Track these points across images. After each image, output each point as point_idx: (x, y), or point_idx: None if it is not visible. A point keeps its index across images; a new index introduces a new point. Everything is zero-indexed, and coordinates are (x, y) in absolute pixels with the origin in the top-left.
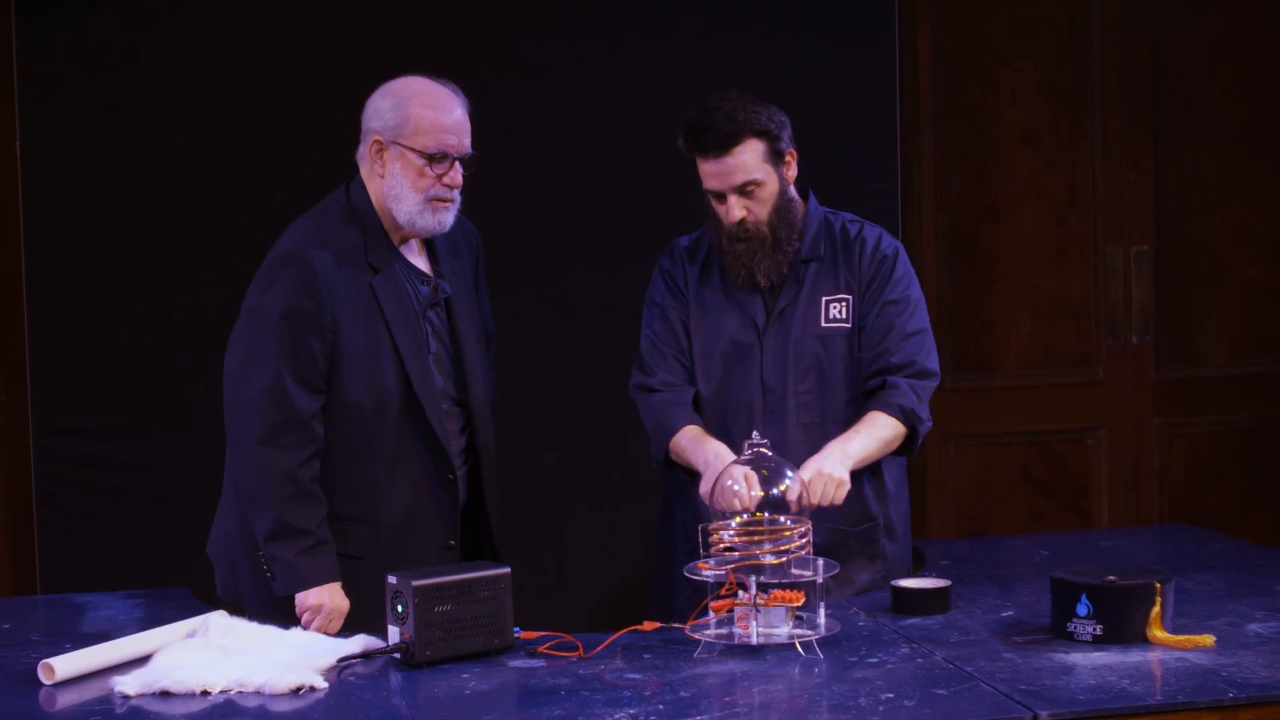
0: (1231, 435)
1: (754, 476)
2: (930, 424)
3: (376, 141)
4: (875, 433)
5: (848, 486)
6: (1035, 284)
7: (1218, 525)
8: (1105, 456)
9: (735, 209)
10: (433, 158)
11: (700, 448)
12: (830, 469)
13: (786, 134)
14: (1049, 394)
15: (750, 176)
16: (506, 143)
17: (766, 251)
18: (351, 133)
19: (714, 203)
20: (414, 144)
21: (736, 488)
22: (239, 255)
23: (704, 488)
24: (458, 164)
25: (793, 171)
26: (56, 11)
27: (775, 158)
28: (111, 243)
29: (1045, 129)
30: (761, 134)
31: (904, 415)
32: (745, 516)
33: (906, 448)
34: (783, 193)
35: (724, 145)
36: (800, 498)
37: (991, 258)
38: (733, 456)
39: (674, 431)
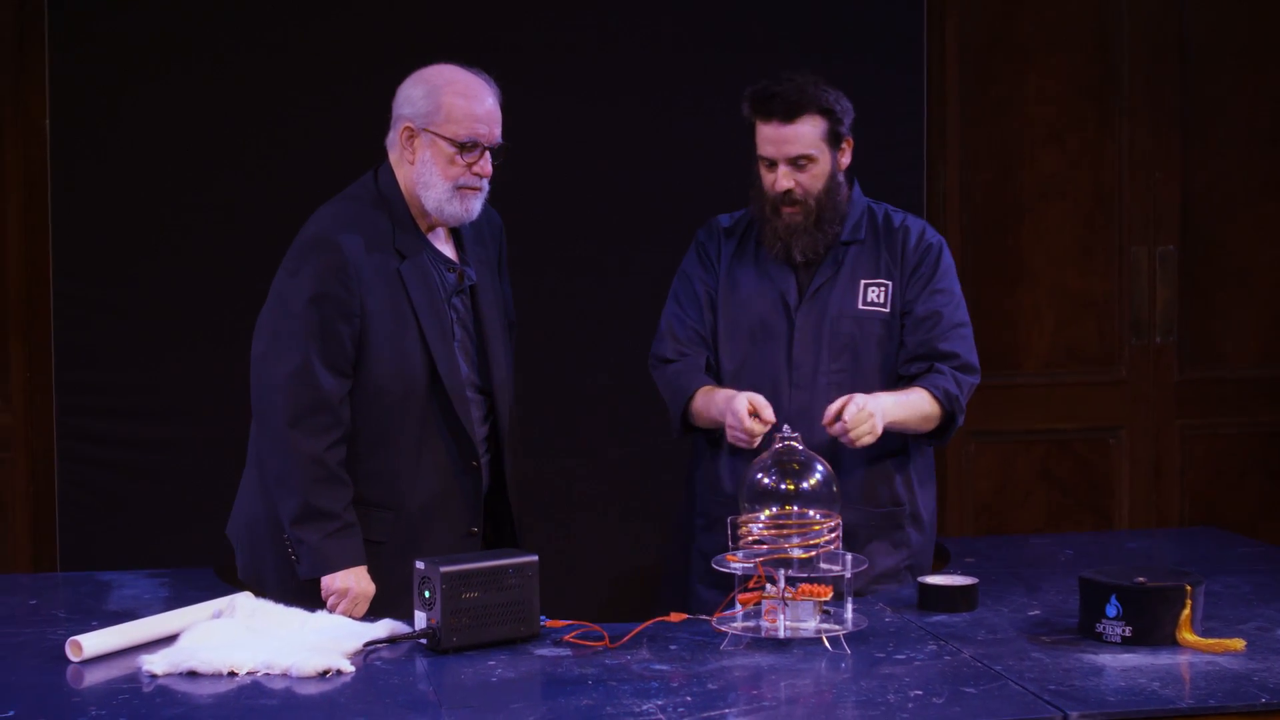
0: (1253, 437)
1: (759, 404)
2: (963, 420)
3: (407, 128)
4: (915, 403)
5: (878, 435)
6: (1059, 283)
7: (1237, 527)
8: (1126, 456)
9: (783, 179)
10: (463, 146)
11: (712, 400)
12: (874, 410)
13: (849, 120)
14: (1071, 393)
15: (805, 150)
16: (529, 131)
17: (808, 227)
18: (380, 118)
19: (764, 170)
20: (445, 132)
21: (737, 427)
22: (265, 236)
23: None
24: (488, 153)
25: (846, 159)
26: None
27: (833, 139)
28: (139, 222)
29: (1072, 128)
30: (825, 112)
31: (946, 399)
32: (775, 509)
33: (938, 435)
34: (833, 175)
35: (788, 113)
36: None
37: (1016, 256)
38: (730, 396)
39: (689, 395)
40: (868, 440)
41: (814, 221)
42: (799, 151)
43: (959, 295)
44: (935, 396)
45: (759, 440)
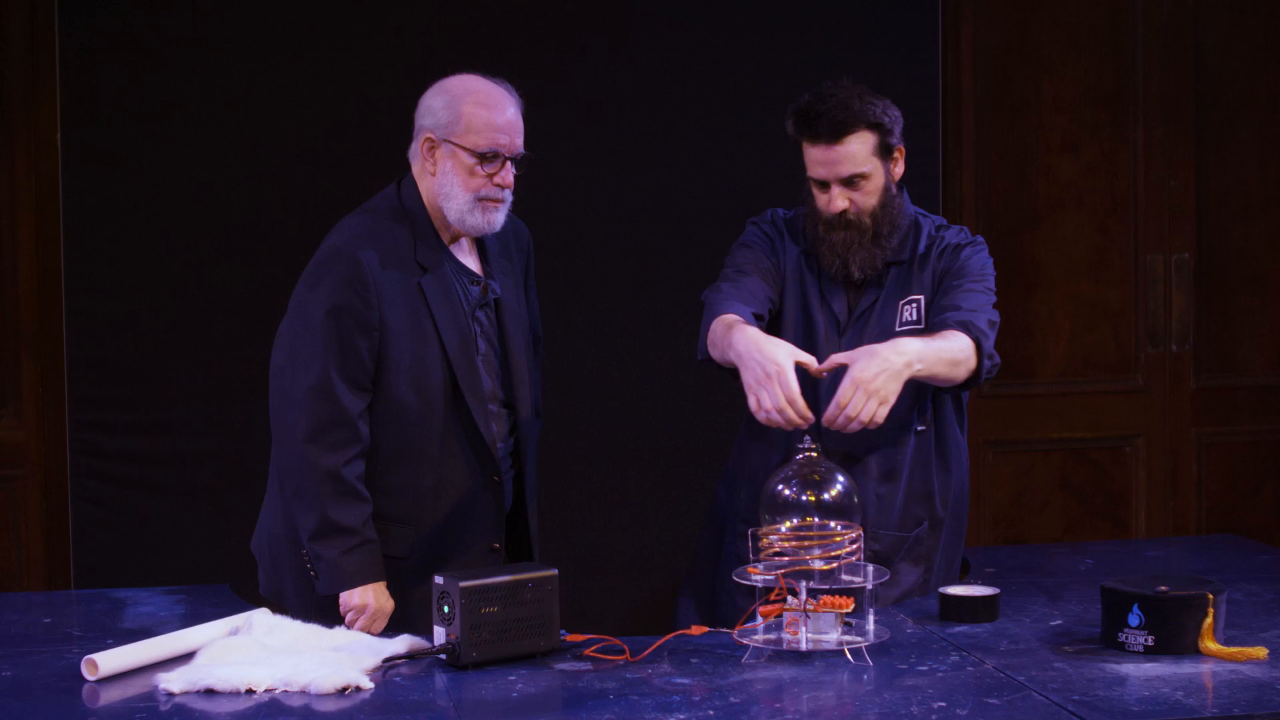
0: (1270, 445)
1: (793, 383)
2: (997, 360)
3: (428, 139)
4: (939, 343)
5: (890, 404)
6: (1075, 291)
7: (1255, 535)
8: (1143, 465)
9: (838, 199)
10: (484, 157)
11: (730, 334)
12: (878, 370)
13: (899, 129)
14: (1088, 401)
15: (858, 169)
16: (552, 143)
17: (865, 243)
18: (399, 128)
19: (815, 190)
20: (465, 142)
21: (773, 407)
22: (279, 250)
23: (747, 388)
24: (509, 164)
25: (899, 168)
26: (98, 6)
27: (884, 152)
28: (150, 236)
29: (1087, 135)
30: (874, 126)
31: (965, 329)
32: (796, 520)
33: (970, 381)
34: (887, 188)
35: (835, 133)
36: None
37: (1032, 264)
38: (767, 340)
39: (714, 318)
40: (883, 413)
41: (870, 237)
42: (851, 171)
43: (982, 280)
44: (955, 328)
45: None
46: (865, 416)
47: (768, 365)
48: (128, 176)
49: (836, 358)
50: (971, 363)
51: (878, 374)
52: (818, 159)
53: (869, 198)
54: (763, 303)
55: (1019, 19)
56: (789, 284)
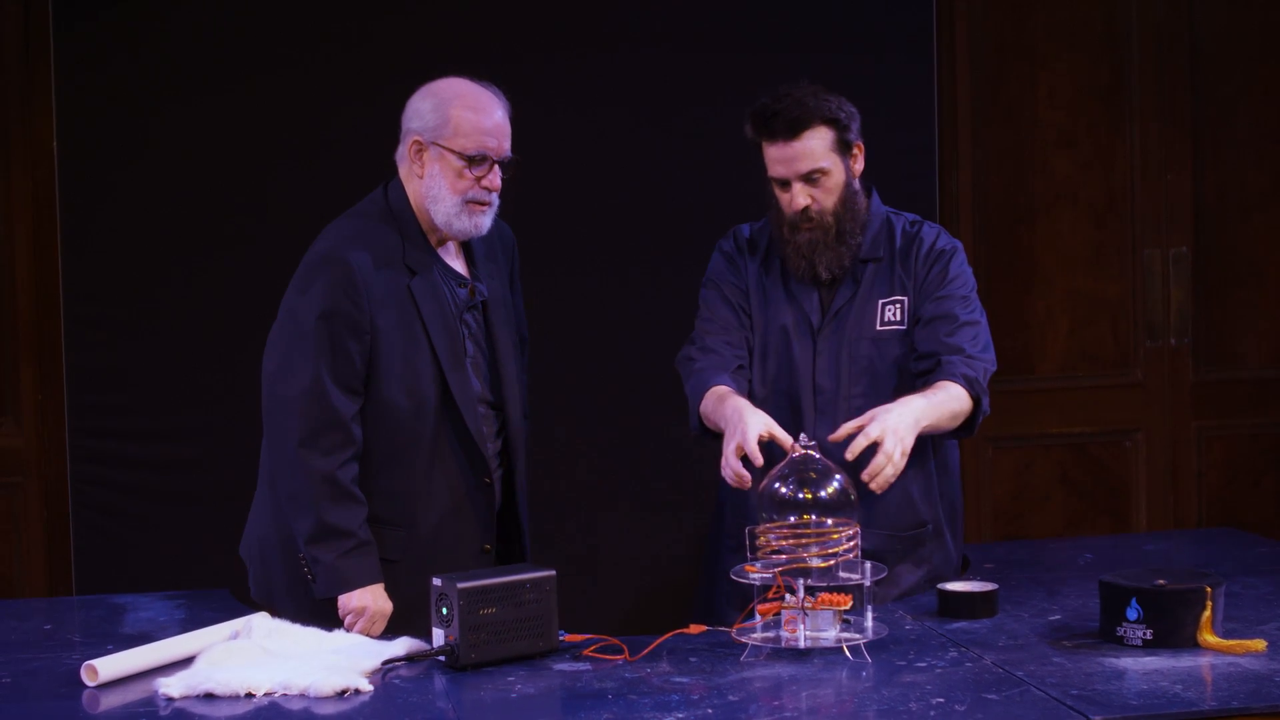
0: (1270, 438)
1: (754, 445)
2: (989, 408)
3: (416, 142)
4: (943, 399)
5: (900, 468)
6: (1073, 286)
7: (1255, 528)
8: (1143, 459)
9: (800, 197)
10: (472, 160)
11: (721, 406)
12: (897, 434)
13: (855, 125)
14: (1086, 396)
15: (817, 164)
16: (540, 141)
17: (829, 243)
18: (388, 132)
19: (777, 190)
20: (453, 145)
21: (730, 465)
22: (276, 255)
23: (724, 452)
24: (497, 167)
25: (859, 165)
26: (93, 13)
27: (843, 148)
28: (148, 242)
29: (1083, 131)
30: (830, 122)
31: (969, 384)
32: (793, 518)
33: (966, 428)
34: (848, 184)
35: (792, 130)
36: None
37: (1029, 260)
38: (750, 412)
39: (704, 391)
40: (894, 476)
41: (834, 235)
42: (810, 167)
43: (968, 296)
44: (958, 384)
45: (748, 483)
46: (897, 463)
47: (737, 429)
48: (124, 183)
49: (848, 426)
50: (967, 415)
51: (898, 424)
52: (776, 157)
53: (830, 195)
54: (739, 346)
55: (1013, 15)
56: (754, 300)
